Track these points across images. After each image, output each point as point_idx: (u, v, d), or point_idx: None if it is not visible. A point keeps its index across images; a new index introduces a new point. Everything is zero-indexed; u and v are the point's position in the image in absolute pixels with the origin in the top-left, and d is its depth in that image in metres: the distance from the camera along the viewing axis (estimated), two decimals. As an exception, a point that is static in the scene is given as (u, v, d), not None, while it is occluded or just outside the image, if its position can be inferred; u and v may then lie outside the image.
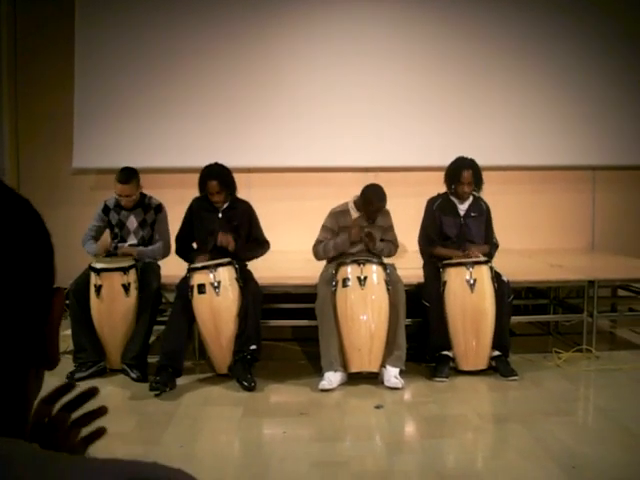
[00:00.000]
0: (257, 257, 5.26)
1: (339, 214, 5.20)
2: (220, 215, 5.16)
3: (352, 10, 7.16)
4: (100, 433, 0.97)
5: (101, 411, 0.97)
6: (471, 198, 5.31)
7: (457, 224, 5.26)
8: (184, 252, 5.25)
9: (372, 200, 5.09)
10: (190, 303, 4.87)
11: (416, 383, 4.87)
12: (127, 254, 5.23)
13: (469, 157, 5.26)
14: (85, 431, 0.96)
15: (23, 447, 0.64)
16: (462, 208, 5.30)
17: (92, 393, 0.96)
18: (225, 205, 5.18)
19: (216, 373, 4.98)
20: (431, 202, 5.37)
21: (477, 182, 5.25)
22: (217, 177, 5.08)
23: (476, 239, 5.26)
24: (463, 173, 5.18)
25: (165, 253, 5.40)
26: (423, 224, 5.35)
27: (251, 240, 5.26)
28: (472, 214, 5.30)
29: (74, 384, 0.95)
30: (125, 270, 5.04)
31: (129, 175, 5.24)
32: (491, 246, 5.31)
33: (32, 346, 0.70)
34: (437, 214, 5.29)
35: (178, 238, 5.28)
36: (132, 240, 5.37)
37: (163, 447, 3.73)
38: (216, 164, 5.18)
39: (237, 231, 5.17)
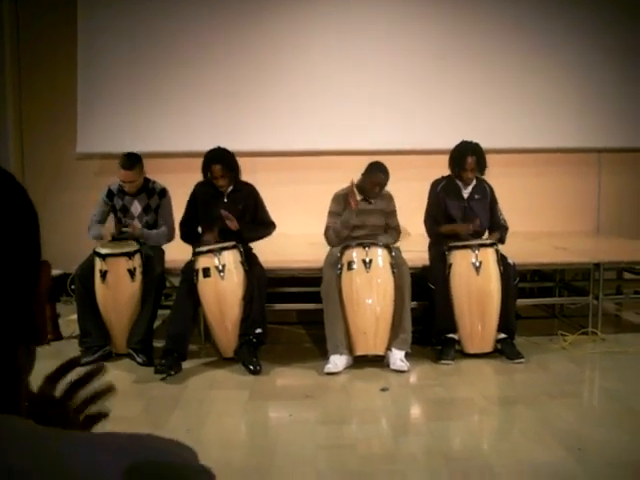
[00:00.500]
0: (261, 238, 5.22)
1: (342, 197, 5.17)
2: (225, 199, 5.15)
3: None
4: (103, 415, 0.95)
5: (108, 390, 0.96)
6: (474, 181, 5.29)
7: (461, 206, 5.24)
8: (189, 237, 5.24)
9: (376, 173, 5.08)
10: (195, 287, 4.87)
11: (422, 366, 4.88)
12: (133, 231, 5.22)
13: (473, 141, 5.22)
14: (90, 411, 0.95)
15: (12, 421, 0.63)
16: (466, 191, 5.28)
17: (98, 371, 0.95)
18: (230, 189, 5.17)
19: (222, 357, 4.99)
20: (435, 184, 5.34)
21: (480, 166, 5.23)
22: (221, 161, 5.07)
23: (481, 221, 5.24)
24: (467, 159, 5.14)
25: (169, 238, 5.39)
26: (428, 206, 5.33)
27: (257, 222, 5.25)
28: (476, 196, 5.28)
29: (78, 361, 0.94)
30: (130, 255, 5.05)
31: (132, 161, 5.22)
32: (501, 229, 5.29)
33: (20, 321, 0.69)
34: (441, 196, 5.27)
35: (182, 224, 5.26)
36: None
37: (169, 431, 3.72)
38: (219, 148, 5.16)
39: (243, 214, 5.16)
